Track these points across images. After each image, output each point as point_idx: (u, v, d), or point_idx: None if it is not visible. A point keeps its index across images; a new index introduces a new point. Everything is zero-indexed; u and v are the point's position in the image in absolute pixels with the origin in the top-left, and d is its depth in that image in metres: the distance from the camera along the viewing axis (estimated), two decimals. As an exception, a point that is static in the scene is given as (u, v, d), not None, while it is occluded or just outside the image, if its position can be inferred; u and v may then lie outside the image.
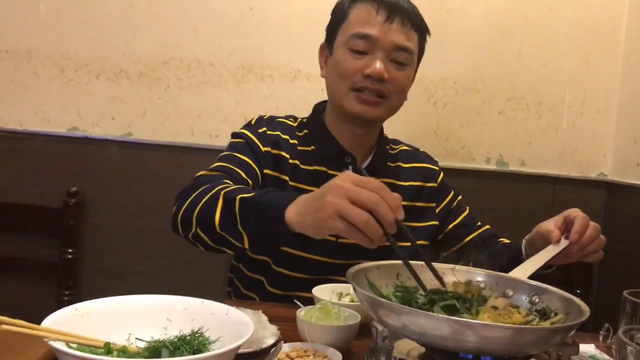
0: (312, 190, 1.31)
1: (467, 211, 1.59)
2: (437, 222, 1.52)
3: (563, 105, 2.11)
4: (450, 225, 1.54)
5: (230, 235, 1.08)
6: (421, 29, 1.40)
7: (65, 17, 2.01)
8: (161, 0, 2.01)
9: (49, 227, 2.02)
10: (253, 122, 1.47)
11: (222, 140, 2.03)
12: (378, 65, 1.32)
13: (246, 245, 1.07)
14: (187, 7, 2.02)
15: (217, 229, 1.09)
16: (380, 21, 1.33)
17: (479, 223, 1.59)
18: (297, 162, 1.41)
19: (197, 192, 1.16)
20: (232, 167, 1.32)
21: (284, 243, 1.13)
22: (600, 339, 1.20)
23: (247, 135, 1.41)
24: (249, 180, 1.31)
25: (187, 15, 2.02)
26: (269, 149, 1.39)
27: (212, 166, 1.34)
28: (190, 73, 2.04)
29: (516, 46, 2.08)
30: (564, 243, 1.19)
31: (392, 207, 0.87)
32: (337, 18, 1.40)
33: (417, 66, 1.45)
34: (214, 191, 1.13)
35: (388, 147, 1.53)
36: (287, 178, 1.39)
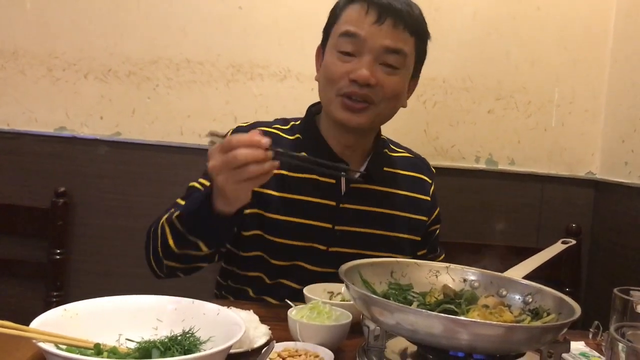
0: (303, 200, 1.32)
1: (437, 233, 1.56)
2: (419, 238, 1.48)
3: (552, 104, 2.12)
4: (420, 252, 1.51)
5: (189, 249, 1.18)
6: (419, 32, 1.31)
7: (52, 15, 1.99)
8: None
9: (37, 227, 2.00)
10: (230, 133, 1.38)
11: (212, 140, 2.01)
12: (364, 69, 1.25)
13: (205, 249, 1.17)
14: (176, 7, 2.01)
15: (176, 250, 1.19)
16: (370, 21, 1.26)
17: (438, 251, 1.57)
18: (284, 172, 1.34)
19: (152, 234, 1.26)
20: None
21: (229, 227, 1.19)
22: (590, 336, 1.21)
23: None
24: None
25: (176, 15, 2.01)
26: None
27: (176, 200, 1.34)
28: (180, 72, 2.03)
29: (505, 45, 2.09)
30: (561, 246, 1.18)
31: (250, 137, 0.98)
32: (331, 19, 1.35)
33: (418, 71, 1.39)
34: (160, 224, 1.23)
35: (386, 150, 1.48)
36: (271, 192, 1.33)
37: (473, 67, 2.09)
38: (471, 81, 2.10)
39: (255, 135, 0.99)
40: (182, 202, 1.32)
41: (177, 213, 1.18)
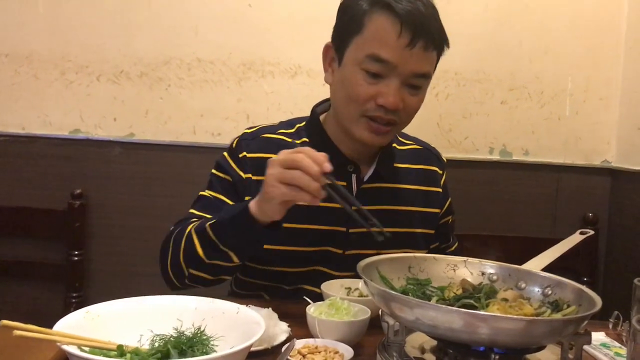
0: (315, 206, 1.30)
1: (449, 223, 1.55)
2: (433, 231, 1.47)
3: (565, 93, 2.10)
4: (433, 244, 1.50)
5: (220, 260, 1.17)
6: (440, 45, 1.25)
7: (64, 19, 2.01)
8: (160, 0, 2.01)
9: (55, 229, 2.02)
10: (234, 144, 1.37)
11: (225, 139, 2.02)
12: (392, 96, 1.20)
13: (236, 260, 1.17)
14: (186, 6, 2.01)
15: (206, 261, 1.18)
16: (402, 45, 1.17)
17: (450, 241, 1.56)
18: None
19: (172, 244, 1.25)
20: (204, 214, 1.29)
21: (263, 239, 1.18)
22: (610, 326, 1.20)
23: (226, 164, 1.35)
24: None
25: (186, 14, 2.02)
26: (250, 175, 1.32)
27: (188, 213, 1.32)
28: (191, 72, 2.03)
29: (517, 36, 2.07)
30: (579, 237, 1.17)
31: (317, 161, 1.01)
32: (351, 25, 1.23)
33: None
34: (185, 234, 1.21)
35: (395, 144, 1.45)
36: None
37: (485, 59, 2.08)
38: (484, 72, 2.08)
39: (319, 160, 1.01)
40: (197, 212, 1.31)
41: (210, 222, 1.16)
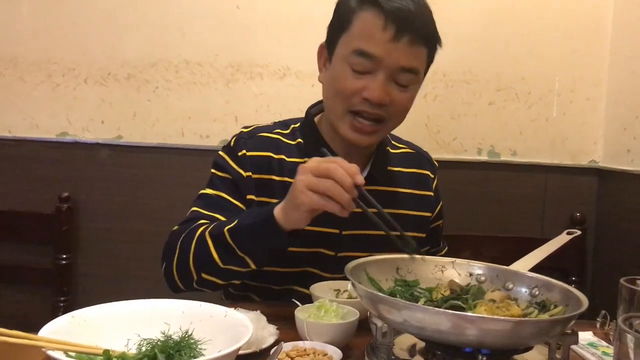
0: None
1: (440, 227, 1.55)
2: (424, 234, 1.47)
3: (552, 94, 2.11)
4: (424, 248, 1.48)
5: (235, 265, 1.15)
6: (431, 42, 1.25)
7: (48, 21, 2.00)
8: (147, 1, 2.00)
9: (42, 233, 2.01)
10: (232, 142, 1.36)
11: (213, 141, 2.02)
12: (378, 90, 1.19)
13: (253, 266, 1.15)
14: (173, 8, 2.01)
15: (221, 265, 1.16)
16: (387, 39, 1.17)
17: (440, 245, 1.57)
18: (287, 179, 1.31)
19: (180, 245, 1.21)
20: (208, 212, 1.28)
21: (285, 246, 1.16)
22: (598, 325, 1.21)
23: (225, 163, 1.34)
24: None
25: (173, 16, 2.01)
26: (250, 173, 1.31)
27: (190, 212, 1.30)
28: (179, 74, 2.03)
29: (504, 37, 2.08)
30: (566, 237, 1.18)
31: (350, 172, 1.01)
32: (340, 23, 1.24)
33: (425, 76, 1.33)
34: (197, 237, 1.18)
35: (388, 147, 1.45)
36: (275, 201, 1.26)
37: (473, 60, 2.08)
38: (471, 74, 2.09)
39: (352, 172, 1.01)
40: (202, 210, 1.29)
41: (228, 226, 1.14)
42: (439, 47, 1.29)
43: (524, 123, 2.12)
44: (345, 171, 1.01)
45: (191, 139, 2.04)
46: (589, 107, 2.12)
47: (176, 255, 1.22)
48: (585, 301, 0.85)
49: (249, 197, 1.31)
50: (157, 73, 2.02)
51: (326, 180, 1.01)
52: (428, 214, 1.47)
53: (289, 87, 2.04)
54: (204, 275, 1.19)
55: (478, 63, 2.09)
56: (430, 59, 1.29)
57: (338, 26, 1.25)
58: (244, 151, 1.33)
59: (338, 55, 1.25)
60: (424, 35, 1.21)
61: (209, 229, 1.18)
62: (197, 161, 1.99)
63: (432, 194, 1.48)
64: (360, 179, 1.01)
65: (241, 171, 1.31)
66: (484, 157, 2.12)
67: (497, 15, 2.07)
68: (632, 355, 0.67)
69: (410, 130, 2.02)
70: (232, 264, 1.15)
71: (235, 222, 1.15)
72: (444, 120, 2.10)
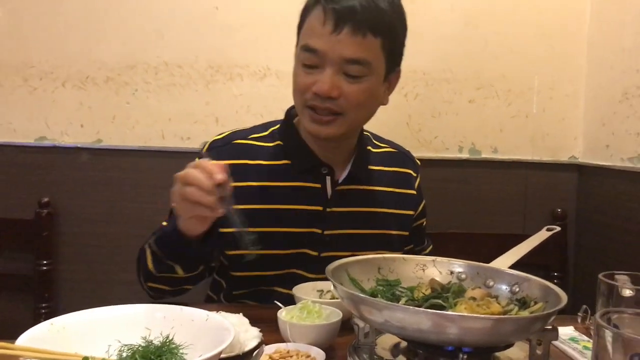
0: (289, 209, 1.32)
1: (423, 225, 1.57)
2: (408, 233, 1.48)
3: (532, 91, 2.13)
4: (407, 246, 1.51)
5: (168, 272, 1.20)
6: (385, 31, 1.22)
7: (24, 24, 1.97)
8: (124, 3, 1.98)
9: (22, 239, 1.98)
10: (204, 149, 1.36)
11: (194, 143, 2.01)
12: (324, 83, 1.20)
13: (181, 273, 1.20)
14: (151, 10, 1.99)
15: (156, 274, 1.21)
16: (327, 32, 1.18)
17: (425, 243, 1.58)
18: (267, 183, 1.33)
19: (139, 257, 1.29)
20: None
21: (198, 252, 1.18)
22: (579, 320, 1.22)
23: None
24: None
25: (151, 18, 1.99)
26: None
27: (160, 226, 1.32)
28: (158, 76, 2.01)
29: (483, 35, 2.09)
30: (546, 233, 1.19)
31: (210, 173, 1.01)
32: (299, 24, 1.29)
33: (396, 65, 1.33)
34: (145, 248, 1.25)
35: (369, 147, 1.46)
36: (254, 205, 1.30)
37: (453, 58, 2.09)
38: (451, 72, 2.10)
39: (211, 173, 1.01)
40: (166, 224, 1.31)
41: (154, 237, 1.20)
42: (399, 36, 1.28)
43: (504, 120, 2.13)
44: (205, 173, 1.01)
45: (172, 141, 2.03)
46: (568, 103, 2.14)
47: (140, 267, 1.29)
48: (564, 297, 0.86)
49: None
50: (136, 75, 2.00)
51: (189, 187, 1.02)
52: (411, 213, 1.47)
53: (270, 87, 2.03)
54: (149, 284, 1.25)
55: (458, 61, 2.10)
56: (391, 48, 1.26)
57: (299, 26, 1.30)
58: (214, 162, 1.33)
59: (295, 54, 1.29)
60: (370, 26, 1.19)
61: (151, 239, 1.23)
62: (179, 163, 1.92)
63: (414, 192, 1.49)
64: (220, 177, 1.01)
65: None
66: (465, 155, 2.13)
67: (476, 14, 2.08)
68: (610, 349, 0.67)
69: (392, 129, 2.04)
70: (165, 271, 1.20)
71: (161, 231, 1.20)
72: (425, 119, 2.11)
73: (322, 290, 1.23)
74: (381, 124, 1.89)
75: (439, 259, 1.07)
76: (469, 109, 2.12)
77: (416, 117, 2.11)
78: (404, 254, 1.43)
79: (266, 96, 2.03)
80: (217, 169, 1.02)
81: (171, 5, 1.99)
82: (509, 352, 0.89)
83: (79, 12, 1.98)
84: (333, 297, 1.19)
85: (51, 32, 1.98)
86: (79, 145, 2.01)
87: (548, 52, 2.11)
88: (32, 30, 1.97)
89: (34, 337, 0.80)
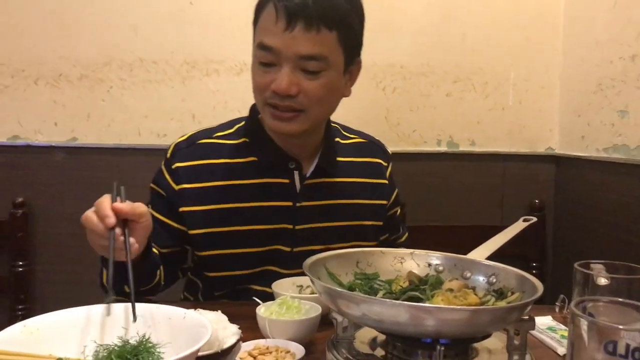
0: (258, 207, 1.31)
1: (397, 214, 1.56)
2: (382, 222, 1.47)
3: (508, 83, 2.14)
4: (382, 236, 1.50)
5: (118, 286, 1.15)
6: (340, 24, 1.19)
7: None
8: (97, -1, 1.96)
9: (-4, 240, 1.95)
10: (169, 153, 1.34)
11: (170, 139, 1.93)
12: (281, 81, 1.18)
13: (127, 290, 1.14)
14: (125, 5, 1.97)
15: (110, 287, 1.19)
16: (280, 30, 1.16)
17: (400, 232, 1.58)
18: (234, 181, 1.31)
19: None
20: None
21: (140, 271, 1.15)
22: (557, 309, 1.23)
23: (161, 175, 1.33)
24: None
25: (125, 13, 1.97)
26: (183, 185, 1.29)
27: None
28: (133, 72, 1.99)
29: (460, 28, 2.10)
30: (522, 224, 1.19)
31: (101, 216, 1.01)
32: (254, 19, 1.27)
33: (355, 56, 1.29)
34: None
35: (338, 139, 1.44)
36: (221, 205, 1.29)
37: (430, 52, 2.10)
38: (429, 66, 2.11)
39: (102, 218, 1.01)
40: None
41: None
42: (356, 26, 1.25)
43: (481, 113, 2.15)
44: (96, 218, 1.02)
45: (148, 138, 2.01)
46: (544, 95, 2.16)
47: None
48: (540, 287, 0.87)
49: (182, 209, 1.29)
50: (110, 72, 1.98)
51: (89, 231, 1.04)
52: (384, 202, 1.47)
53: (247, 82, 1.97)
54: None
55: (435, 55, 2.10)
56: (348, 41, 1.23)
57: (254, 24, 1.27)
58: (177, 164, 1.31)
59: (253, 52, 1.27)
60: (324, 20, 1.17)
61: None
62: (155, 160, 1.90)
63: (386, 182, 1.48)
64: (109, 221, 1.00)
65: (173, 185, 1.31)
66: (443, 148, 2.14)
67: (452, 7, 2.09)
68: (585, 337, 0.68)
69: (370, 123, 2.03)
70: (116, 285, 1.15)
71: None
72: (403, 113, 2.11)
73: (301, 286, 1.22)
74: (359, 118, 1.90)
75: (416, 251, 1.07)
76: (446, 103, 2.13)
77: (394, 111, 2.11)
78: (380, 244, 1.44)
79: (243, 91, 2.00)
80: (105, 212, 1.01)
81: (145, 1, 1.97)
82: (486, 342, 0.89)
83: (51, 8, 1.95)
84: (313, 292, 1.19)
85: (22, 29, 1.94)
86: (53, 144, 1.99)
87: (524, 44, 2.13)
88: (1, 27, 1.94)
89: (5, 339, 0.78)
